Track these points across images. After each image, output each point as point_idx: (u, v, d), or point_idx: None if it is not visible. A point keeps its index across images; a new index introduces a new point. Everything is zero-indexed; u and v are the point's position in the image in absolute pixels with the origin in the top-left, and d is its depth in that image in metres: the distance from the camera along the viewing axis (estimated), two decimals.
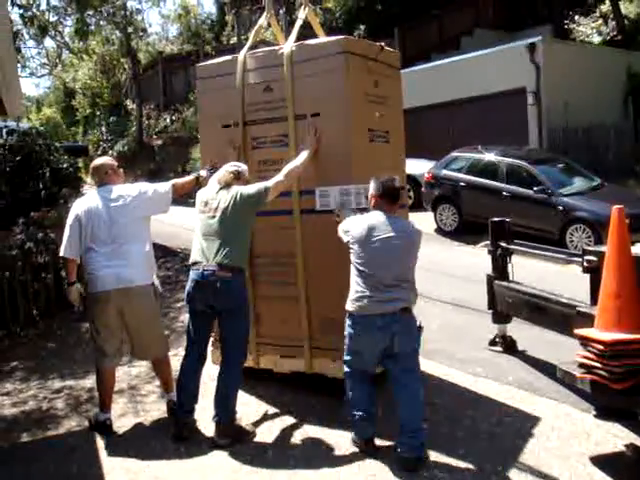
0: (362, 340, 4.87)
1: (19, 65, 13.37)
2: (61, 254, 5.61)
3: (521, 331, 7.11)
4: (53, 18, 13.66)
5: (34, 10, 11.59)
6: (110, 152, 31.36)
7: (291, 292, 5.88)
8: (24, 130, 12.65)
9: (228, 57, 6.57)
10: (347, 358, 5.03)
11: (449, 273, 10.90)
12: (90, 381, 6.53)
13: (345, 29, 28.87)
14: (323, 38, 6.41)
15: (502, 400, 5.86)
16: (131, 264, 5.35)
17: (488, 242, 7.33)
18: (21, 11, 10.91)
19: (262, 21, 6.85)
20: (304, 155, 5.55)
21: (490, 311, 7.14)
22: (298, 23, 6.55)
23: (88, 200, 5.58)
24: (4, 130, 12.54)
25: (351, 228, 5.03)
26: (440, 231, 14.93)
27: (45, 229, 9.05)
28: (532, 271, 8.12)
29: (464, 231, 14.36)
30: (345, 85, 5.70)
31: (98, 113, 36.49)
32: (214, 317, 5.37)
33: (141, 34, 31.76)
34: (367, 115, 5.98)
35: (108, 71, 32.31)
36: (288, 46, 5.98)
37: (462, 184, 14.55)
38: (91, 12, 13.68)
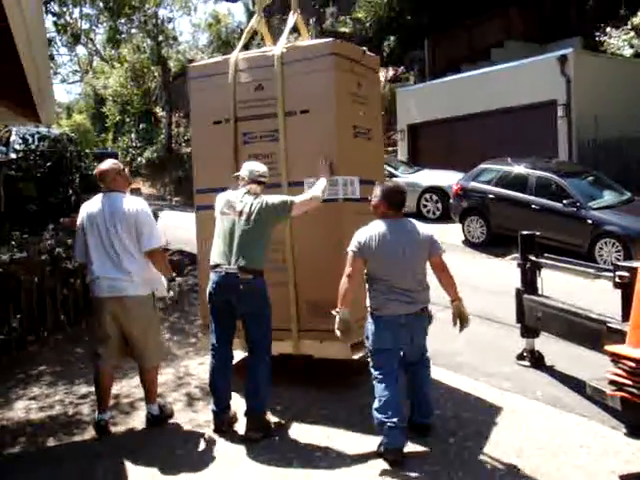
0: (388, 337, 5.12)
1: (52, 71, 13.51)
2: (74, 254, 5.87)
3: (549, 345, 7.04)
4: (85, 26, 13.82)
5: (67, 18, 11.72)
6: (139, 159, 31.60)
7: (280, 277, 6.09)
8: (55, 136, 12.79)
9: (219, 58, 7.17)
10: (375, 361, 5.20)
11: (477, 285, 10.80)
12: (117, 388, 6.55)
13: (375, 39, 28.89)
14: (313, 40, 7.01)
15: (530, 415, 5.81)
16: (126, 274, 5.40)
17: (516, 255, 7.30)
18: (55, 19, 11.04)
19: (252, 24, 7.34)
20: (323, 182, 5.83)
21: (518, 325, 7.08)
22: (288, 27, 6.96)
23: (92, 205, 5.60)
24: (35, 136, 12.66)
25: (363, 239, 5.13)
26: (468, 243, 14.84)
27: (74, 234, 9.10)
28: (560, 284, 8.03)
29: (492, 243, 14.25)
30: (333, 84, 6.18)
31: (128, 120, 36.78)
32: (236, 317, 5.52)
33: (172, 42, 32.04)
34: (352, 113, 6.44)
35: (138, 78, 32.50)
36: (279, 47, 6.41)
37: (491, 196, 14.46)
38: (123, 20, 13.82)
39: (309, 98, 6.22)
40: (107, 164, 5.72)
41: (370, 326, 5.21)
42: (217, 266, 5.41)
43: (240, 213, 5.43)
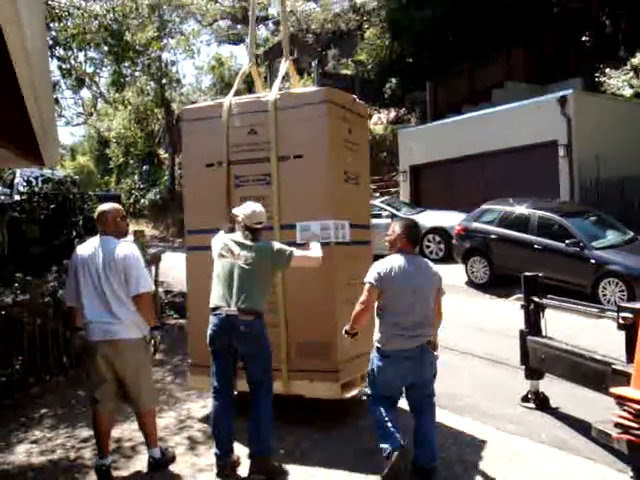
0: (391, 371, 5.28)
1: (56, 114, 13.63)
2: (65, 299, 5.85)
3: (554, 387, 6.99)
4: (90, 69, 13.94)
5: (72, 62, 11.86)
6: (142, 201, 31.71)
7: (270, 319, 5.94)
8: (58, 179, 12.87)
9: (212, 102, 7.49)
10: (375, 390, 5.39)
11: (481, 327, 10.78)
12: (118, 431, 6.50)
13: (377, 81, 29.17)
14: (307, 88, 7.23)
15: (535, 458, 5.75)
16: (118, 318, 5.32)
17: (520, 295, 7.29)
18: (59, 63, 11.16)
19: (245, 69, 7.55)
20: (319, 250, 5.86)
21: (523, 366, 7.04)
22: (280, 73, 7.18)
23: (85, 248, 5.54)
24: (39, 178, 12.74)
25: (383, 271, 5.28)
26: (471, 284, 14.79)
27: None
28: (564, 325, 8.01)
29: (496, 284, 14.20)
30: (327, 131, 6.34)
31: (131, 162, 37.02)
32: (237, 358, 5.54)
33: (175, 85, 32.38)
34: (343, 158, 6.62)
35: (142, 121, 32.82)
36: (273, 93, 6.57)
37: (493, 236, 14.45)
38: (127, 64, 13.94)
39: (303, 144, 6.36)
40: (108, 206, 5.68)
41: (375, 360, 5.34)
42: (217, 308, 5.44)
43: (239, 256, 5.49)
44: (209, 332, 5.51)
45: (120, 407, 6.09)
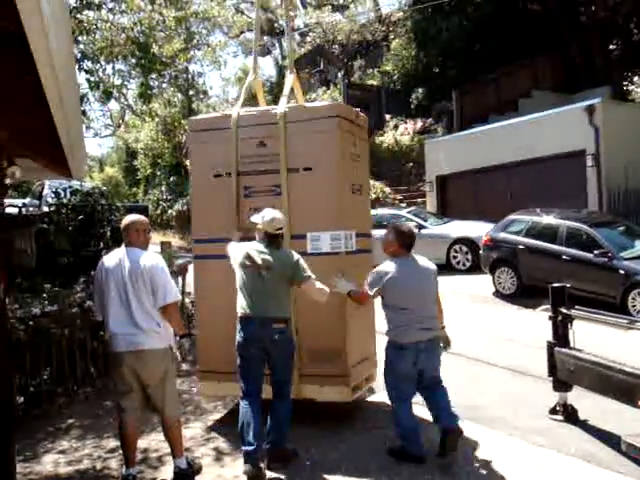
0: (408, 361, 5.83)
1: (85, 126, 13.77)
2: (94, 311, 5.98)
3: (583, 399, 6.90)
4: (118, 81, 14.05)
5: (100, 75, 11.97)
6: (170, 212, 31.87)
7: None
8: (87, 190, 12.98)
9: (220, 113, 7.68)
10: (393, 383, 5.98)
11: (508, 338, 10.70)
12: (145, 442, 6.52)
13: (403, 91, 29.16)
14: (317, 102, 7.62)
15: (564, 472, 5.68)
16: (142, 329, 5.35)
17: (548, 306, 7.21)
18: (87, 76, 11.27)
19: (250, 80, 7.68)
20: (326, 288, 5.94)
21: (550, 378, 6.97)
22: (287, 86, 7.31)
23: (111, 259, 5.57)
24: (68, 190, 12.85)
25: (385, 272, 5.88)
26: (499, 294, 14.67)
27: None
28: (592, 336, 7.92)
29: (523, 294, 14.07)
30: (336, 145, 6.55)
31: (159, 173, 37.20)
32: (266, 364, 5.81)
33: (202, 96, 32.58)
34: (350, 171, 6.87)
35: (169, 132, 33.00)
36: (281, 107, 6.75)
37: (521, 247, 14.33)
38: (154, 76, 14.04)
39: (312, 156, 6.54)
40: (133, 218, 5.72)
41: (392, 354, 5.93)
42: (249, 317, 5.65)
43: (265, 267, 5.68)
44: (241, 339, 5.71)
45: (146, 417, 6.12)
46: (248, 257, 5.76)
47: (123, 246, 5.60)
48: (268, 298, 5.68)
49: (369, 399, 7.54)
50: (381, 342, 6.40)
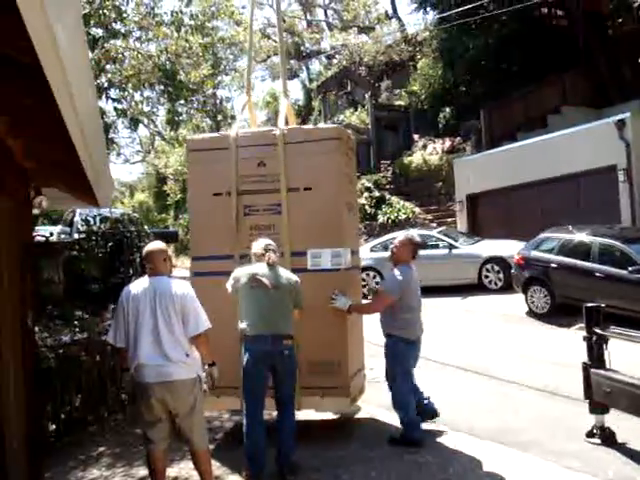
0: (413, 353, 6.88)
1: (114, 152, 13.94)
2: (108, 339, 5.80)
3: (621, 421, 6.72)
4: (147, 108, 14.17)
5: (127, 102, 12.07)
6: None
7: None
8: (115, 217, 13.08)
9: (218, 133, 8.25)
10: (404, 377, 6.80)
11: (542, 358, 10.53)
12: (175, 470, 6.49)
13: (430, 111, 29.11)
14: (315, 126, 8.02)
15: None
16: (171, 360, 5.27)
17: (582, 325, 7.08)
18: (115, 104, 11.36)
19: (244, 103, 8.12)
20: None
21: (586, 400, 6.82)
22: (282, 109, 7.74)
23: (136, 288, 5.49)
24: (97, 217, 12.97)
25: (404, 279, 6.71)
26: (532, 313, 14.47)
27: None
28: (629, 356, 7.76)
29: (557, 313, 13.86)
30: (336, 165, 6.85)
31: None
32: (269, 379, 6.02)
33: (230, 121, 32.75)
34: (345, 190, 7.14)
35: None
36: (280, 128, 7.03)
37: (553, 265, 14.14)
38: (182, 102, 14.15)
39: (312, 176, 6.82)
40: (155, 245, 5.71)
41: (403, 348, 6.75)
42: (260, 335, 5.85)
43: (272, 286, 5.91)
44: (250, 357, 5.90)
45: (176, 445, 6.08)
46: (254, 278, 5.95)
47: (147, 275, 5.56)
48: (277, 316, 5.92)
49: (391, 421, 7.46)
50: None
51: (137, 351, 5.34)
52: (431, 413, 7.32)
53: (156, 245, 5.71)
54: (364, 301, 8.33)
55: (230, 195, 6.97)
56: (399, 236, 7.41)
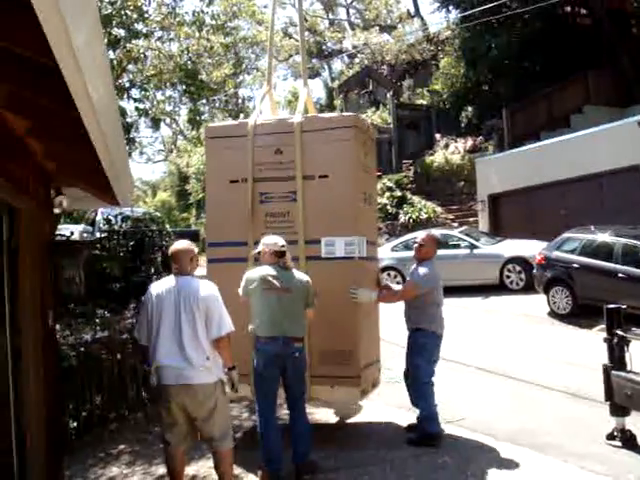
0: (439, 351, 7.03)
1: (137, 151, 14.03)
2: (134, 335, 5.87)
3: None
4: (169, 107, 14.24)
5: (148, 102, 12.14)
6: None
7: None
8: (137, 216, 13.15)
9: (236, 121, 7.85)
10: (431, 371, 6.93)
11: (564, 359, 10.46)
12: (194, 468, 6.51)
13: (452, 110, 29.01)
14: (333, 114, 8.33)
15: None
16: (191, 363, 5.18)
17: (604, 326, 7.02)
18: (136, 104, 11.43)
19: (264, 92, 8.08)
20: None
21: (607, 402, 6.76)
22: (302, 97, 7.70)
23: (161, 287, 5.43)
24: (119, 217, 13.04)
25: (432, 273, 6.93)
26: (553, 314, 14.37)
27: None
28: None
29: (578, 314, 13.75)
30: (352, 154, 6.80)
31: None
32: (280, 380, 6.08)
33: None
34: (362, 180, 7.08)
35: None
36: (298, 116, 7.04)
37: (575, 266, 14.03)
38: (204, 101, 14.20)
39: (328, 164, 6.78)
40: (182, 244, 5.65)
41: (432, 343, 6.91)
42: (272, 337, 5.88)
43: (284, 289, 5.94)
44: (263, 359, 5.96)
45: (195, 444, 6.08)
46: (265, 281, 5.97)
47: (172, 274, 5.51)
48: (289, 318, 5.94)
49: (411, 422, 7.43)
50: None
51: (157, 352, 5.28)
52: None
53: (182, 244, 5.65)
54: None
55: (246, 182, 6.99)
56: (421, 234, 7.60)
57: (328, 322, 6.50)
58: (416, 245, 7.25)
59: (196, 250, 5.66)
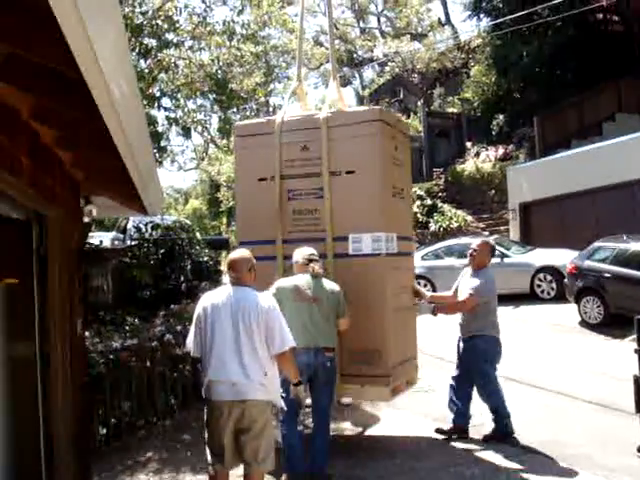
0: (500, 356, 7.30)
1: (168, 160, 14.14)
2: (186, 348, 5.38)
3: None
4: (200, 116, 14.32)
5: (180, 111, 12.23)
6: None
7: None
8: (167, 225, 13.25)
9: (264, 119, 8.14)
10: (494, 376, 7.14)
11: (595, 370, 10.35)
12: None
13: (483, 118, 28.88)
14: (359, 107, 8.06)
15: None
16: (249, 378, 4.83)
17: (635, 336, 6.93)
18: (167, 113, 11.53)
19: (293, 88, 8.01)
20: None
21: (638, 414, 6.67)
22: (330, 91, 7.81)
23: (217, 297, 5.09)
24: (149, 225, 13.13)
25: (490, 283, 7.22)
26: (585, 324, 14.23)
27: (184, 321, 9.25)
28: None
29: (610, 324, 13.58)
30: (379, 148, 6.71)
31: None
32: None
33: None
34: (391, 174, 6.97)
35: None
36: (324, 112, 6.98)
37: (607, 275, 13.87)
38: (235, 110, 14.26)
39: (355, 160, 6.71)
40: (240, 253, 5.34)
41: (493, 348, 7.13)
42: (302, 349, 5.73)
43: (314, 299, 5.96)
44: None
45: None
46: (297, 290, 5.99)
47: (229, 284, 5.21)
48: (320, 328, 5.97)
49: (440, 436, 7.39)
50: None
51: (210, 366, 4.95)
52: (462, 428, 7.34)
53: (241, 253, 5.34)
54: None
55: (274, 180, 6.98)
56: (476, 241, 7.74)
57: (356, 321, 6.39)
58: (470, 253, 7.38)
59: (253, 261, 5.26)
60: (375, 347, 6.56)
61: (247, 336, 4.88)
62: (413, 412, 8.14)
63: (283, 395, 5.48)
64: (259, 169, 7.11)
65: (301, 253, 6.21)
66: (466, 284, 7.25)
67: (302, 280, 6.05)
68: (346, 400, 8.19)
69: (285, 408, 5.63)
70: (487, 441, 7.07)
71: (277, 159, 6.95)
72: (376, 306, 6.59)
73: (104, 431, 7.82)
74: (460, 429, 7.28)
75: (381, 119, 6.77)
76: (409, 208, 7.90)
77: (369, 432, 7.84)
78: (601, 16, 26.17)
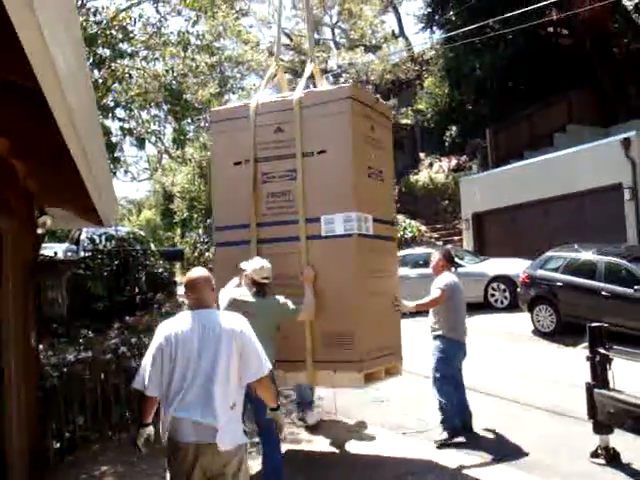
0: (460, 356, 7.72)
1: (122, 170, 13.97)
2: (135, 385, 4.42)
3: (626, 442, 6.68)
4: (154, 126, 14.20)
5: (133, 122, 12.13)
6: (207, 254, 32.03)
7: None
8: (121, 236, 13.11)
9: (239, 102, 8.08)
10: (447, 372, 7.50)
11: (547, 377, 10.48)
12: None
13: (437, 130, 29.16)
14: (329, 86, 7.84)
15: None
16: (218, 414, 4.14)
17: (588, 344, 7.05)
18: (121, 123, 11.42)
19: (271, 70, 7.90)
20: (309, 290, 6.33)
21: (591, 420, 6.77)
22: (305, 74, 7.51)
23: (180, 324, 4.38)
24: (103, 236, 12.97)
25: (452, 282, 7.65)
26: (537, 332, 14.42)
27: (139, 334, 9.16)
28: (635, 375, 7.71)
29: (563, 332, 13.79)
30: (349, 126, 6.50)
31: (195, 216, 37.51)
32: None
33: None
34: (366, 154, 6.80)
35: (205, 175, 33.31)
36: (297, 92, 6.86)
37: (559, 284, 14.09)
38: (189, 121, 14.16)
39: (326, 139, 6.59)
40: (199, 272, 4.65)
41: (450, 348, 7.52)
42: None
43: (249, 314, 5.03)
44: None
45: None
46: (233, 304, 5.86)
47: (190, 309, 4.58)
48: None
49: (398, 445, 7.41)
50: None
51: (173, 402, 4.21)
52: (455, 429, 7.53)
53: (200, 272, 4.65)
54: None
55: (249, 163, 6.92)
56: (434, 254, 8.27)
57: (328, 302, 6.36)
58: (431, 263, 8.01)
59: (212, 279, 4.69)
60: (347, 329, 6.35)
61: (222, 367, 4.23)
62: (370, 423, 8.15)
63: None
64: (234, 153, 7.05)
65: (255, 270, 6.02)
66: (433, 286, 7.64)
67: (240, 293, 6.04)
68: (310, 421, 8.19)
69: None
70: (440, 447, 7.18)
71: (252, 142, 6.89)
72: (347, 288, 6.40)
73: (58, 445, 7.69)
74: (453, 432, 7.45)
75: (351, 96, 6.56)
76: (390, 191, 7.68)
77: (327, 445, 7.82)
78: (552, 29, 26.62)
